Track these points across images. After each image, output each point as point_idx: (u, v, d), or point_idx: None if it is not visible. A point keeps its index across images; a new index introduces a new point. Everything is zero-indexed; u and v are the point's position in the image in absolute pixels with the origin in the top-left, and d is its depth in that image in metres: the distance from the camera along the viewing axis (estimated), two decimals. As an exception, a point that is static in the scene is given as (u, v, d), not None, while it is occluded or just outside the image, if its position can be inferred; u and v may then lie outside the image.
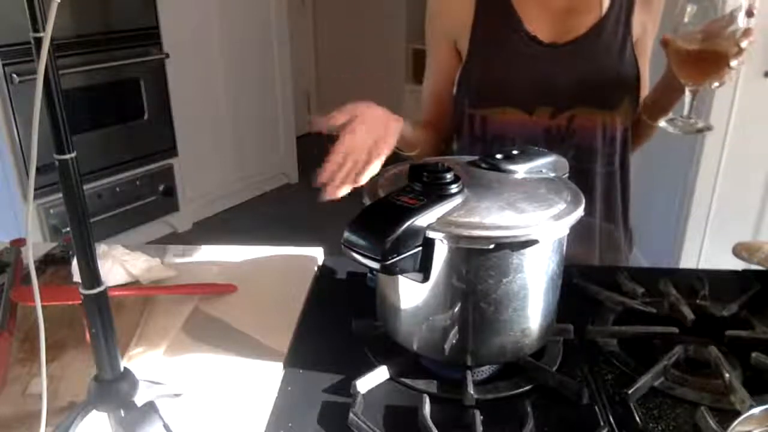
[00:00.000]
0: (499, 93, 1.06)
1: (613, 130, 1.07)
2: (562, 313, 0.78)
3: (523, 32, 1.03)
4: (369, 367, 0.74)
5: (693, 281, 0.94)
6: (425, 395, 0.69)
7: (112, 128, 2.80)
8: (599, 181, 1.10)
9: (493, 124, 1.07)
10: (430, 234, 0.64)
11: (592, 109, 1.05)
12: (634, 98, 1.08)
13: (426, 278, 0.67)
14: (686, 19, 0.82)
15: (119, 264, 0.93)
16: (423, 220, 0.63)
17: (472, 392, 0.70)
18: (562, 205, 0.69)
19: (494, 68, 1.05)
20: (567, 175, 0.81)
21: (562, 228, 0.67)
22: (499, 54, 1.05)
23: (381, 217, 0.65)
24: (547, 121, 1.05)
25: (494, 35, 1.05)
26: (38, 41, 0.49)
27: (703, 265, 2.20)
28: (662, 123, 0.95)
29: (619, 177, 1.12)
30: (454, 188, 0.67)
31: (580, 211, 0.69)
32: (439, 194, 0.66)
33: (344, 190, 0.82)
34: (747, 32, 0.80)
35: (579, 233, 0.89)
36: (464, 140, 1.12)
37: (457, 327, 0.70)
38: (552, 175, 0.78)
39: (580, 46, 1.03)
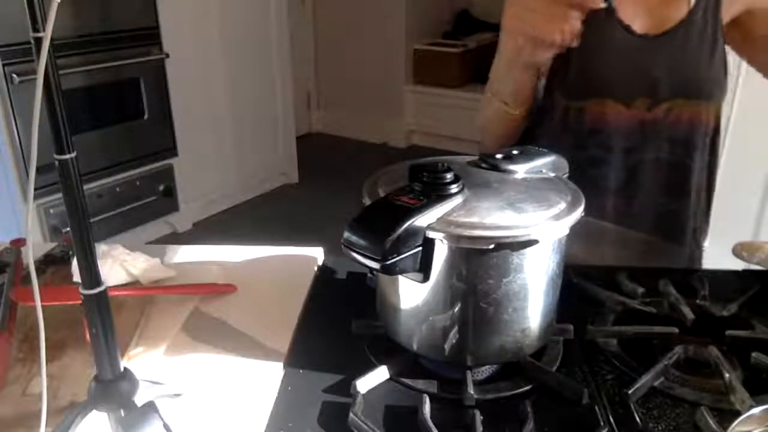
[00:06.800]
0: (598, 85, 1.04)
1: (707, 122, 1.07)
2: (562, 313, 0.78)
3: (617, 22, 1.02)
4: (369, 367, 0.74)
5: (693, 281, 0.94)
6: (425, 395, 0.69)
7: (112, 128, 2.80)
8: (695, 174, 1.09)
9: (589, 116, 1.05)
10: (430, 234, 0.64)
11: (688, 100, 1.04)
12: (725, 89, 1.08)
13: (426, 278, 0.67)
14: None
15: (119, 264, 0.93)
16: (423, 220, 0.63)
17: (472, 392, 0.69)
18: (562, 205, 0.69)
19: (592, 60, 1.03)
20: (567, 174, 0.81)
21: (562, 228, 0.67)
22: (595, 45, 1.02)
23: (381, 217, 0.65)
24: (644, 114, 1.04)
25: (588, 24, 0.99)
26: (38, 41, 0.49)
27: (703, 265, 2.19)
28: None
29: (708, 169, 1.12)
30: (454, 188, 0.67)
31: (579, 211, 0.69)
32: (439, 194, 0.66)
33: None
34: None
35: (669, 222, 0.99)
36: (554, 130, 1.08)
37: (457, 327, 0.70)
38: (552, 175, 0.78)
39: (673, 37, 1.02)
